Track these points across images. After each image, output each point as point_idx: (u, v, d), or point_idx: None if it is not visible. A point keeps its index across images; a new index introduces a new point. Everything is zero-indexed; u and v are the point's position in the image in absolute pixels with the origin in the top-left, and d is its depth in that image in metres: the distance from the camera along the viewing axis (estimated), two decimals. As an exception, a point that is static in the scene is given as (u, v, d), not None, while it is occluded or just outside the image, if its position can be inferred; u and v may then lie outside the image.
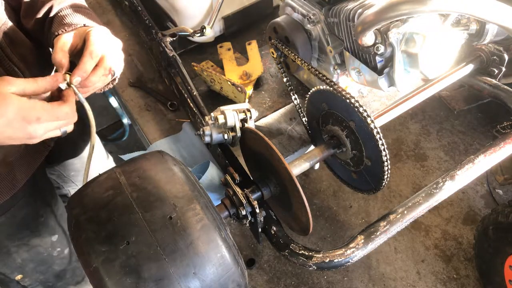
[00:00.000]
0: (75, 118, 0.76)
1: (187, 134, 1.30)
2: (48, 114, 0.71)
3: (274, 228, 0.99)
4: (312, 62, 1.27)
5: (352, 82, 1.24)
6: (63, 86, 0.77)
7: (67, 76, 0.78)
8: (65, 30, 0.84)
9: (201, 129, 1.06)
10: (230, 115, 1.03)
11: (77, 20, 0.87)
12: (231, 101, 1.35)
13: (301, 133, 1.27)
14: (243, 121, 1.06)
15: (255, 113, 1.09)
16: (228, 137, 1.05)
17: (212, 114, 1.06)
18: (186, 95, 1.27)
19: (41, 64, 0.94)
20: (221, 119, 1.03)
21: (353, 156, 1.03)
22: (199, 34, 1.27)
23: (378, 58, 1.01)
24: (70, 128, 0.77)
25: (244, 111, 1.06)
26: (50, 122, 0.72)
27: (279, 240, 0.97)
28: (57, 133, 0.75)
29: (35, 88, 0.72)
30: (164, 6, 1.50)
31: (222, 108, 1.06)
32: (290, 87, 1.19)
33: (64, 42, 0.82)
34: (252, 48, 1.46)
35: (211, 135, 1.06)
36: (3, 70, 0.81)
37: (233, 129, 1.05)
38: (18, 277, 1.15)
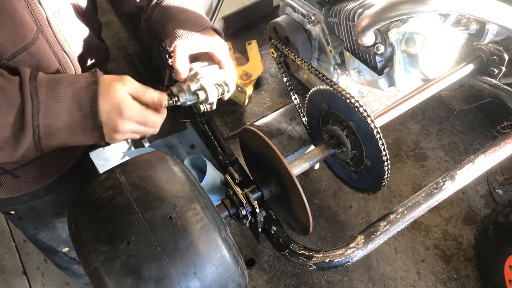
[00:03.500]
0: (157, 129, 0.84)
1: (191, 134, 1.30)
2: (140, 117, 0.79)
3: (274, 228, 0.99)
4: (312, 62, 1.27)
5: (352, 82, 1.24)
6: (165, 102, 0.84)
7: (165, 97, 0.84)
8: (184, 35, 0.89)
9: (173, 93, 0.90)
10: (213, 93, 0.90)
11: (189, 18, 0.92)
12: (231, 101, 1.35)
13: (301, 133, 1.27)
14: (221, 94, 0.93)
15: (232, 87, 0.95)
16: (205, 109, 0.92)
17: (190, 84, 0.90)
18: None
19: (92, 51, 0.97)
20: (201, 96, 0.89)
21: (353, 156, 1.03)
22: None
23: (378, 58, 1.01)
24: (148, 134, 0.84)
25: (222, 86, 0.92)
26: (138, 126, 0.79)
27: (279, 240, 0.97)
28: (136, 136, 0.82)
29: (142, 98, 0.80)
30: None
31: (201, 80, 0.89)
32: (290, 87, 1.19)
33: (185, 50, 0.90)
34: (252, 48, 1.46)
35: (185, 102, 0.91)
36: (53, 54, 0.84)
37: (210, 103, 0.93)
38: (65, 249, 1.24)
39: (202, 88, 0.89)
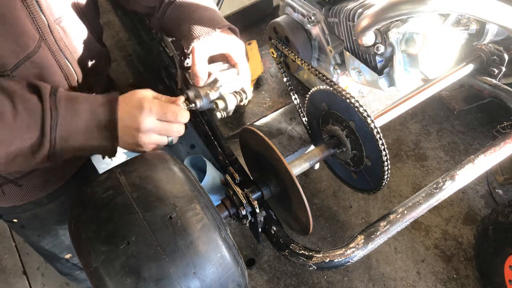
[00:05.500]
0: (182, 132, 0.87)
1: (191, 134, 1.30)
2: (163, 130, 0.83)
3: (274, 228, 0.99)
4: (312, 62, 1.27)
5: (352, 82, 1.24)
6: (183, 106, 0.87)
7: (182, 100, 0.87)
8: (202, 35, 0.89)
9: (190, 97, 0.91)
10: (232, 102, 0.91)
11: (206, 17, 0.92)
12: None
13: (301, 133, 1.27)
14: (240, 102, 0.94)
15: (250, 94, 0.97)
16: (221, 115, 0.94)
17: (209, 92, 0.90)
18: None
19: (93, 57, 0.97)
20: (221, 105, 0.90)
21: (353, 156, 1.03)
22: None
23: (378, 58, 1.01)
24: (175, 139, 0.87)
25: (240, 94, 0.93)
26: (161, 123, 0.82)
27: (279, 240, 0.97)
28: (164, 140, 0.85)
29: (164, 117, 0.83)
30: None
31: (221, 88, 0.89)
32: (290, 87, 1.19)
33: (204, 52, 0.90)
34: (252, 48, 1.46)
35: (201, 107, 0.92)
36: (55, 62, 0.84)
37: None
38: (67, 256, 1.26)
39: (221, 98, 0.89)
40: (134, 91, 0.82)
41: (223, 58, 0.96)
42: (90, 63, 0.96)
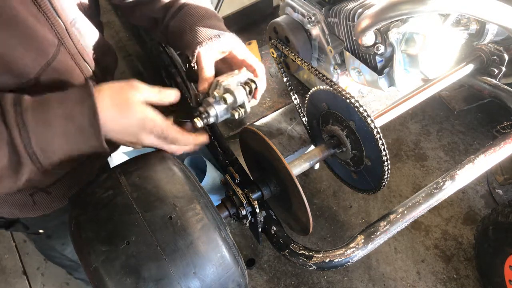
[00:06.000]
0: (188, 148, 0.84)
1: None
2: (165, 132, 0.78)
3: (274, 228, 0.99)
4: (312, 62, 1.27)
5: (352, 82, 1.24)
6: (199, 123, 0.84)
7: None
8: (204, 41, 0.89)
9: (201, 111, 0.87)
10: (240, 92, 0.85)
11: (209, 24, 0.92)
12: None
13: (301, 133, 1.27)
14: (250, 93, 0.89)
15: (263, 83, 0.93)
16: (239, 114, 0.87)
17: (215, 93, 0.86)
18: (186, 95, 1.27)
19: (105, 55, 0.96)
20: (229, 99, 0.84)
21: (353, 156, 1.03)
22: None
23: (378, 58, 1.01)
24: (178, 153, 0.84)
25: (248, 83, 0.87)
26: (159, 140, 0.79)
27: (279, 240, 0.97)
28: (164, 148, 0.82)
29: (158, 99, 0.79)
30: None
31: (224, 83, 0.86)
32: (290, 87, 1.19)
33: (210, 57, 0.89)
34: (252, 48, 1.46)
35: (216, 115, 0.87)
36: (76, 66, 0.83)
37: (241, 105, 0.88)
38: None
39: (227, 91, 0.85)
40: (121, 85, 0.74)
41: (229, 64, 0.95)
42: (103, 62, 0.95)
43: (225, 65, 0.96)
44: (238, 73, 0.89)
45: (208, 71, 0.89)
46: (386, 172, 0.95)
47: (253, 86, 0.87)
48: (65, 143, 0.69)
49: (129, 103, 0.73)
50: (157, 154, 0.83)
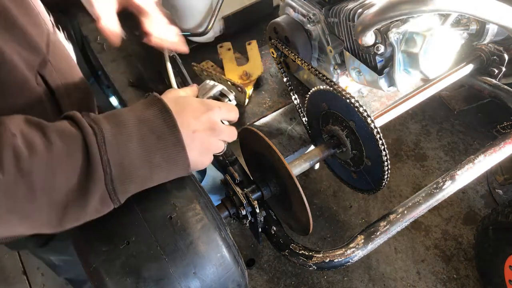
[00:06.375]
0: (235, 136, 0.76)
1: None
2: (225, 104, 0.75)
3: (274, 228, 0.99)
4: (312, 62, 1.27)
5: (352, 82, 1.24)
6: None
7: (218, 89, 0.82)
8: None
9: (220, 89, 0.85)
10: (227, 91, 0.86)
11: None
12: (231, 101, 1.35)
13: (301, 133, 1.27)
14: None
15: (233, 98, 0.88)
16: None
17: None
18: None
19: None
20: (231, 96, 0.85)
21: (353, 156, 1.03)
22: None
23: (378, 58, 1.01)
24: (224, 148, 0.76)
25: (223, 95, 0.85)
26: (225, 111, 0.73)
27: (279, 240, 0.97)
28: (222, 146, 0.74)
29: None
30: (164, 6, 1.50)
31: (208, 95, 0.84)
32: (290, 87, 1.19)
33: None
34: (252, 48, 1.46)
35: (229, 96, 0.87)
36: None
37: None
38: None
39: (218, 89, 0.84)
40: (165, 92, 0.73)
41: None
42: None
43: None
44: (211, 86, 0.86)
45: (106, 16, 0.83)
46: (386, 172, 0.95)
47: (226, 100, 0.84)
48: (140, 147, 0.59)
49: (174, 95, 0.74)
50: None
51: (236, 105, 0.88)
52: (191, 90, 0.81)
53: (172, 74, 0.98)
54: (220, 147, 0.73)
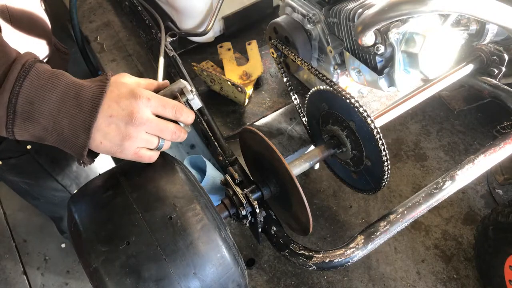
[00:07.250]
0: (180, 136, 0.74)
1: (191, 134, 1.30)
2: (161, 98, 0.70)
3: (274, 228, 0.99)
4: (312, 62, 1.27)
5: (352, 82, 1.24)
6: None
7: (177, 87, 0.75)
8: None
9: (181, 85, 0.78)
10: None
11: None
12: (231, 101, 1.35)
13: (301, 133, 1.27)
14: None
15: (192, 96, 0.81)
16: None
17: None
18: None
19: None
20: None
21: (353, 156, 1.03)
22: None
23: (378, 58, 1.01)
24: (167, 144, 0.75)
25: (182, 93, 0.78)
26: (157, 105, 0.69)
27: (279, 240, 0.97)
28: (154, 142, 0.72)
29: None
30: (164, 6, 1.50)
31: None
32: (290, 87, 1.19)
33: None
34: (252, 48, 1.46)
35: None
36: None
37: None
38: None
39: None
40: (115, 76, 0.70)
41: None
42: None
43: None
44: (174, 83, 0.81)
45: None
46: (386, 172, 0.95)
47: (184, 98, 0.78)
48: (56, 104, 0.62)
49: (121, 81, 0.70)
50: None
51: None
52: (146, 81, 0.75)
53: (162, 68, 0.95)
54: (148, 141, 0.70)
